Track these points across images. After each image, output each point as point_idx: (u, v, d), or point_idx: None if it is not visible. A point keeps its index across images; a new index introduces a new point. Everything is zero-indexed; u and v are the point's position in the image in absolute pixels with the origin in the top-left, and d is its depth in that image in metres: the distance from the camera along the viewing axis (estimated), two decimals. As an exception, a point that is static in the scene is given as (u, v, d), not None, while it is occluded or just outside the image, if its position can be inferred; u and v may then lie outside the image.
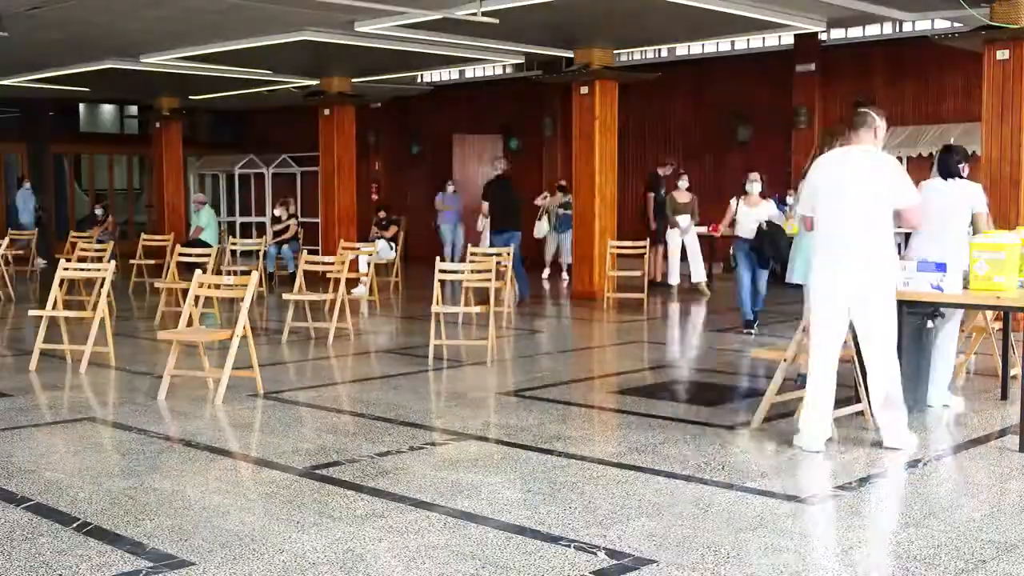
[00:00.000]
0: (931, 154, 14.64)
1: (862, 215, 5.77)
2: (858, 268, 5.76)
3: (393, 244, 16.16)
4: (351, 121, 18.38)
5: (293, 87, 19.28)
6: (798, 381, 6.78)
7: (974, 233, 6.88)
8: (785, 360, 6.26)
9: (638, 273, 13.99)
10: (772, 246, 10.31)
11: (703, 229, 15.27)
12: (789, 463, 5.72)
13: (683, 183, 15.49)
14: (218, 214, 20.91)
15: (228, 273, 13.08)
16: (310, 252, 12.34)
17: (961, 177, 7.05)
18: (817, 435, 5.87)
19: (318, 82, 18.28)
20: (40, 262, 18.36)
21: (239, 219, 25.10)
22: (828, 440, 5.92)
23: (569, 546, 4.32)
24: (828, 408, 5.91)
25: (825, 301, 5.87)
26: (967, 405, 7.15)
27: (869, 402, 6.06)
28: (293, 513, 4.78)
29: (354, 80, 18.38)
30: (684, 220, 15.28)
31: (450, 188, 19.58)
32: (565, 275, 16.96)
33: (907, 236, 7.81)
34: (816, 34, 16.18)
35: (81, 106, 25.36)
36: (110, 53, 15.47)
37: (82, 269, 10.34)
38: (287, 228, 16.61)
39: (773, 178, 17.53)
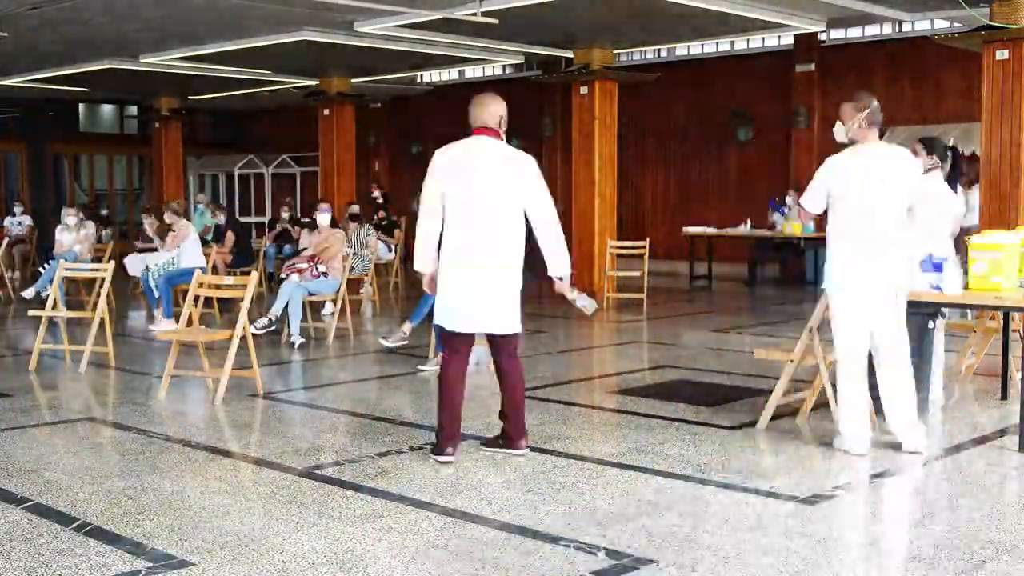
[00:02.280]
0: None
1: (893, 217, 5.73)
2: (887, 271, 5.73)
3: (391, 245, 16.14)
4: (351, 121, 18.40)
5: (293, 87, 19.29)
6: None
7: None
8: (792, 361, 6.25)
9: (638, 273, 13.98)
10: None
11: None
12: (789, 463, 5.72)
13: None
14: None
15: (228, 273, 13.07)
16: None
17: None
18: (861, 437, 5.82)
19: (318, 82, 18.29)
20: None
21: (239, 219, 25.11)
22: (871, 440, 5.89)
23: (569, 546, 4.31)
24: (865, 409, 5.86)
25: (853, 304, 5.82)
26: (965, 405, 7.15)
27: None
28: (293, 513, 4.78)
29: (354, 80, 18.40)
30: None
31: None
32: None
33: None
34: (816, 34, 16.20)
35: (81, 106, 25.38)
36: (110, 53, 15.48)
37: (82, 269, 10.36)
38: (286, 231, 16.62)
39: (773, 178, 17.60)
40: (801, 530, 4.55)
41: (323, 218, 10.85)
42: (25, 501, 4.96)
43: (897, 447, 5.88)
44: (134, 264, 14.05)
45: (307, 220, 14.76)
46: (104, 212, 19.37)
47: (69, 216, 13.97)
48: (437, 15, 12.07)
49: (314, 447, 6.14)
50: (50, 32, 13.32)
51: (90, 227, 14.33)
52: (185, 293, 8.56)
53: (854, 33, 16.89)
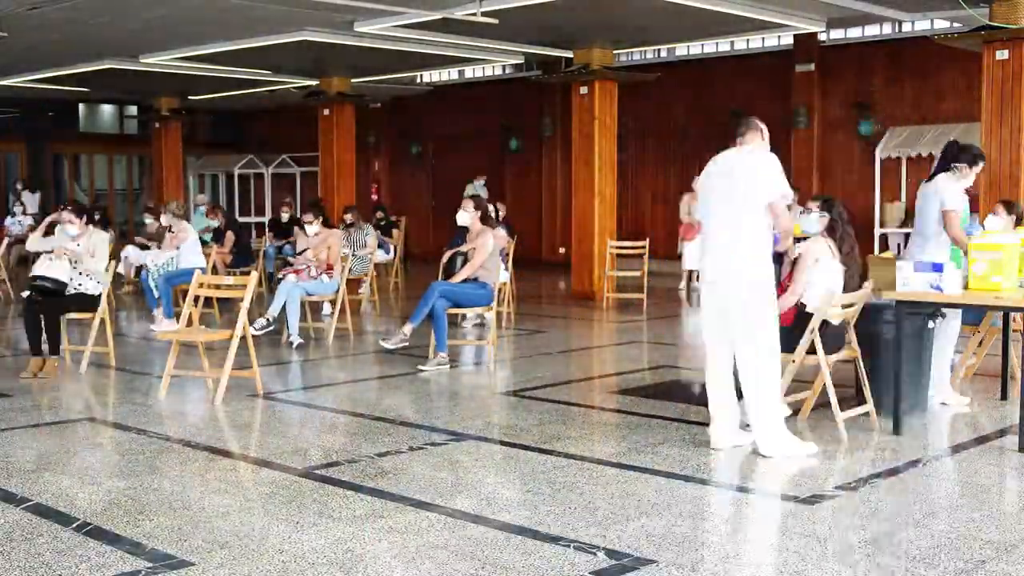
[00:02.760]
0: (931, 154, 14.68)
1: (730, 215, 5.76)
2: (730, 269, 5.75)
3: (390, 246, 16.12)
4: (351, 121, 18.40)
5: (293, 87, 19.29)
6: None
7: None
8: (793, 362, 6.24)
9: (638, 273, 14.00)
10: None
11: None
12: (789, 463, 5.71)
13: None
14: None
15: (228, 273, 13.07)
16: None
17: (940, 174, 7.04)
18: (718, 431, 5.89)
19: (318, 82, 18.29)
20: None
21: (239, 219, 25.11)
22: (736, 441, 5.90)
23: (569, 546, 4.32)
24: (726, 408, 5.90)
25: (706, 305, 5.92)
26: (967, 404, 7.14)
27: (876, 406, 6.03)
28: (293, 513, 4.78)
29: (354, 80, 18.40)
30: None
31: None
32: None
33: (906, 236, 7.83)
34: (816, 34, 16.20)
35: (81, 106, 25.38)
36: (110, 53, 15.48)
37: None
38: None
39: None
40: (801, 530, 4.55)
41: (311, 229, 10.84)
42: (25, 501, 4.96)
43: (893, 449, 5.88)
44: (134, 255, 14.07)
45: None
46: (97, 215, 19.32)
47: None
48: (437, 15, 12.07)
49: (314, 447, 6.15)
50: (50, 32, 13.32)
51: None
52: (185, 293, 8.56)
53: (854, 33, 16.89)
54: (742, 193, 5.74)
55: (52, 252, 8.58)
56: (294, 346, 9.88)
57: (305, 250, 10.80)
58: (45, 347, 8.47)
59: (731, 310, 5.77)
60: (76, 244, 8.64)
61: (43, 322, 8.39)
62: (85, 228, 8.70)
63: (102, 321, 8.70)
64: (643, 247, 13.84)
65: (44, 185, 24.42)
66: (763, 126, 5.95)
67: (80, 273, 8.55)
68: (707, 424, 6.60)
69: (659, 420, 6.75)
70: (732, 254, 5.73)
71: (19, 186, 21.60)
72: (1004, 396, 7.32)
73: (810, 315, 6.12)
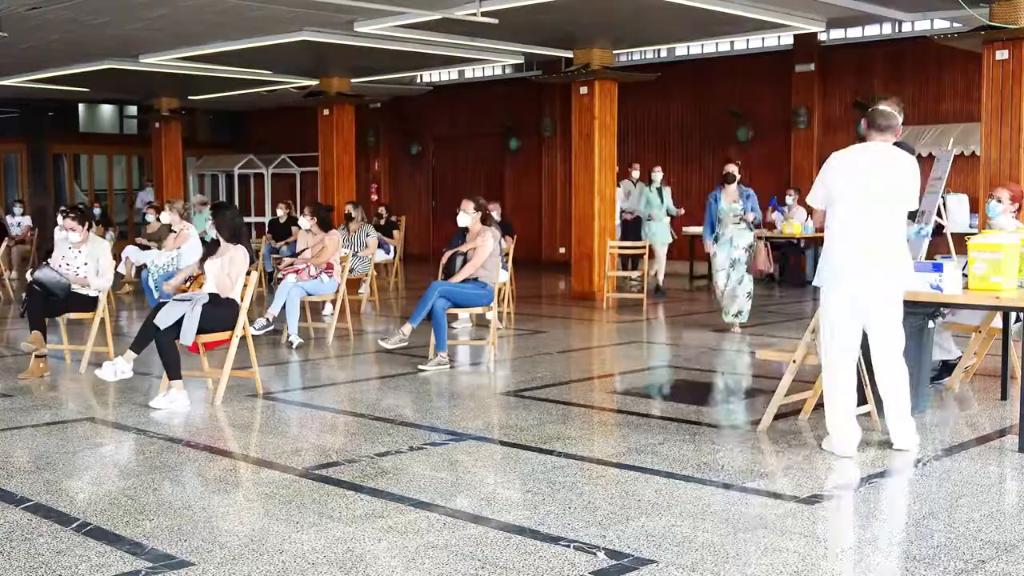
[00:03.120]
0: (931, 154, 14.68)
1: (886, 215, 5.69)
2: (880, 269, 5.67)
3: (390, 246, 16.12)
4: (351, 121, 18.41)
5: (293, 87, 19.29)
6: None
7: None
8: (794, 361, 6.24)
9: (638, 273, 13.99)
10: None
11: None
12: (789, 463, 5.72)
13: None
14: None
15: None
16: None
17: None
18: (848, 438, 5.77)
19: (318, 82, 18.29)
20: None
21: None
22: (860, 443, 5.83)
23: (568, 546, 4.32)
24: (851, 409, 5.83)
25: (843, 302, 5.78)
26: (965, 405, 7.16)
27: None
28: (293, 513, 4.79)
29: (354, 80, 18.40)
30: None
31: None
32: None
33: None
34: (816, 34, 16.21)
35: (80, 106, 25.38)
36: (110, 53, 15.48)
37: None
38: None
39: (773, 178, 17.61)
40: (801, 530, 4.55)
41: (304, 223, 10.88)
42: (25, 501, 4.96)
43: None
44: (135, 255, 14.05)
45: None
46: (96, 210, 19.29)
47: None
48: (437, 15, 12.08)
49: (314, 447, 6.15)
50: (50, 32, 13.32)
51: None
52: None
53: (854, 33, 16.90)
54: (896, 192, 5.72)
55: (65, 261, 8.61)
56: (294, 346, 9.89)
57: (304, 250, 10.81)
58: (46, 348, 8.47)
59: (874, 310, 5.73)
60: (77, 251, 8.63)
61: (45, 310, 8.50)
62: (86, 235, 8.69)
63: (102, 321, 8.71)
64: (643, 247, 13.85)
65: (44, 186, 24.43)
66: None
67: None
68: (707, 424, 6.61)
69: (659, 420, 6.75)
70: (891, 253, 5.73)
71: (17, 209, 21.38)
72: (1004, 396, 7.33)
73: None
